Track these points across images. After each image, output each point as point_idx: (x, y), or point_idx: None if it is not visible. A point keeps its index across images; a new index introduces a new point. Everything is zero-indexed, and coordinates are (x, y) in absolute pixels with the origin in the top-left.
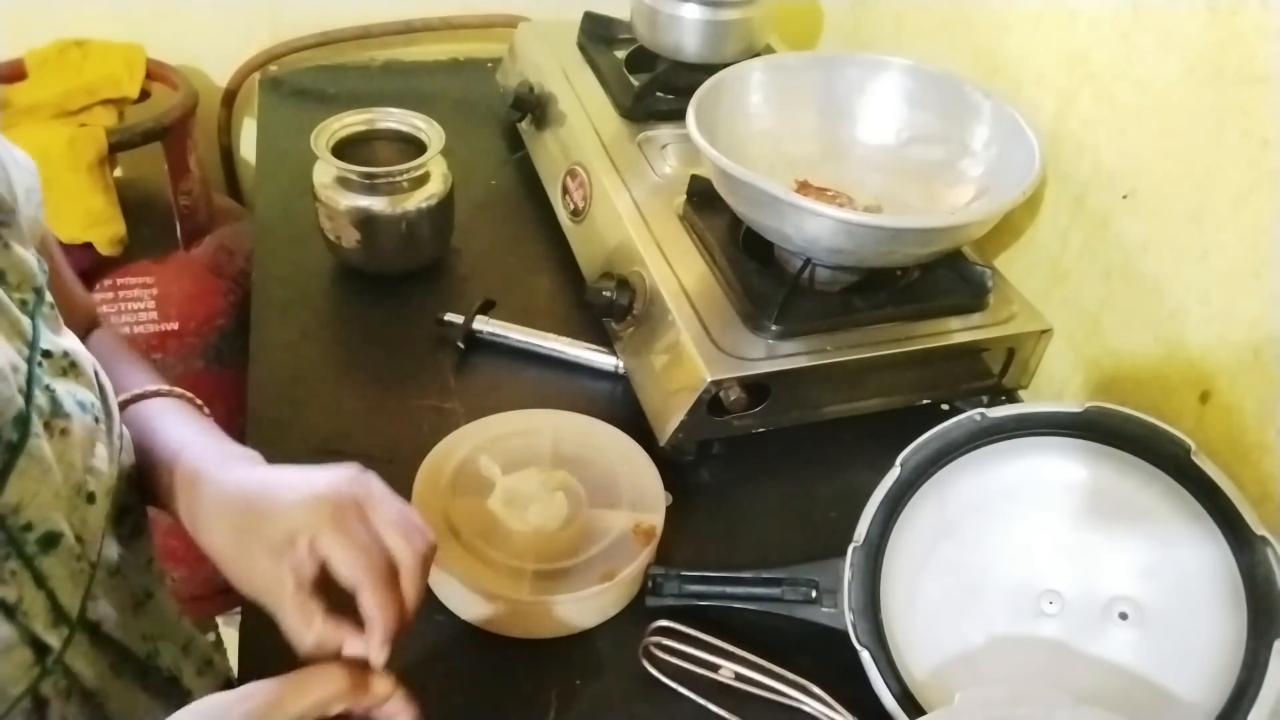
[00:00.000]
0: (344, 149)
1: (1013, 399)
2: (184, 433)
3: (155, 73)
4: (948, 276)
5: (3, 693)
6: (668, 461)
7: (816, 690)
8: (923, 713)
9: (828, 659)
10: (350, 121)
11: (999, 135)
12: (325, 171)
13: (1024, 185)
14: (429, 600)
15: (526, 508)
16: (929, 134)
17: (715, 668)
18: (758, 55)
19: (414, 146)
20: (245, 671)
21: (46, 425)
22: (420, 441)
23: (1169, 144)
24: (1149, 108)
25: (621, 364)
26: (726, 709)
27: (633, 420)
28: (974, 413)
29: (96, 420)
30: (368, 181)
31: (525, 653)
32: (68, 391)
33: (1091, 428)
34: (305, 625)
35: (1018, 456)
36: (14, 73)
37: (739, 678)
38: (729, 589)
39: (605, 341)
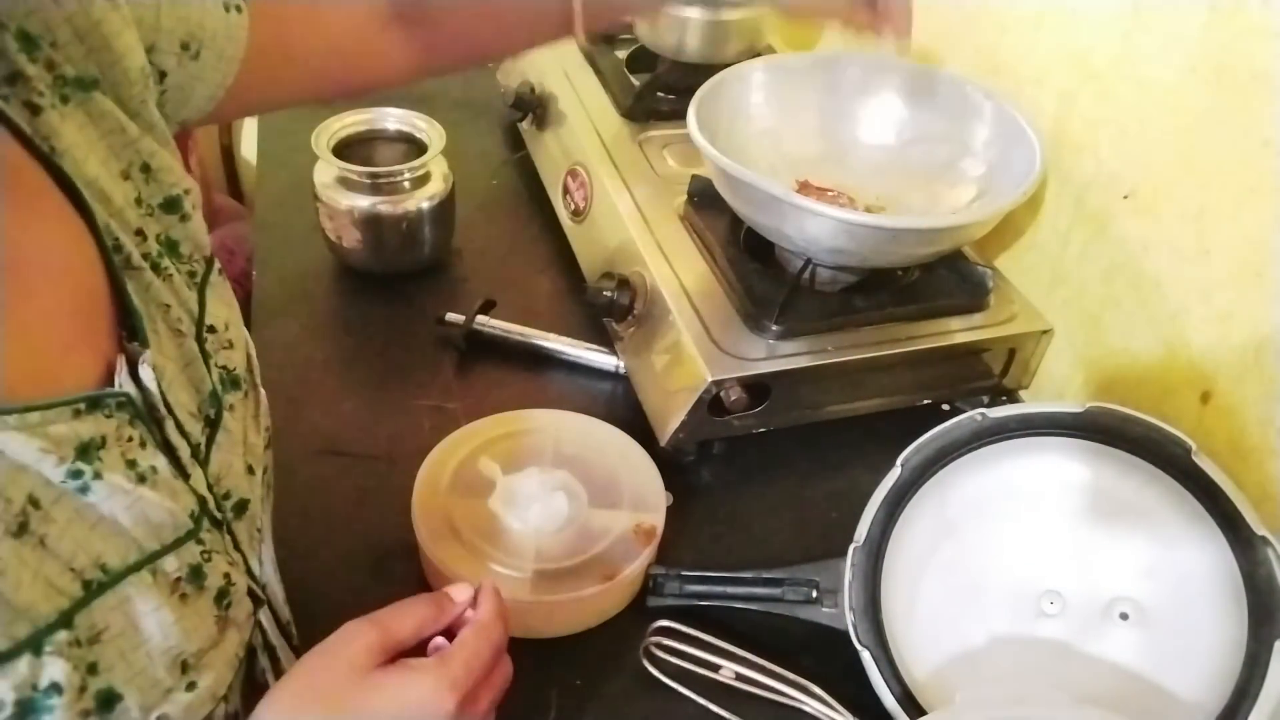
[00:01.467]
0: (345, 149)
1: (1013, 399)
2: None
3: None
4: (948, 277)
5: (243, 638)
6: (668, 461)
7: (817, 690)
8: (923, 713)
9: (828, 659)
10: (351, 121)
11: (1000, 135)
12: (326, 171)
13: (1025, 185)
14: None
15: (527, 508)
16: (930, 134)
17: (716, 668)
18: (759, 55)
19: (415, 146)
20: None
21: (227, 398)
22: (421, 441)
23: (1170, 144)
24: (1150, 108)
25: (622, 364)
26: (727, 709)
27: (633, 420)
28: (975, 413)
29: (245, 395)
30: (369, 181)
31: (525, 653)
32: (229, 367)
33: (1092, 428)
34: None
35: (1019, 457)
36: None
37: (740, 678)
38: (729, 589)
39: (606, 341)
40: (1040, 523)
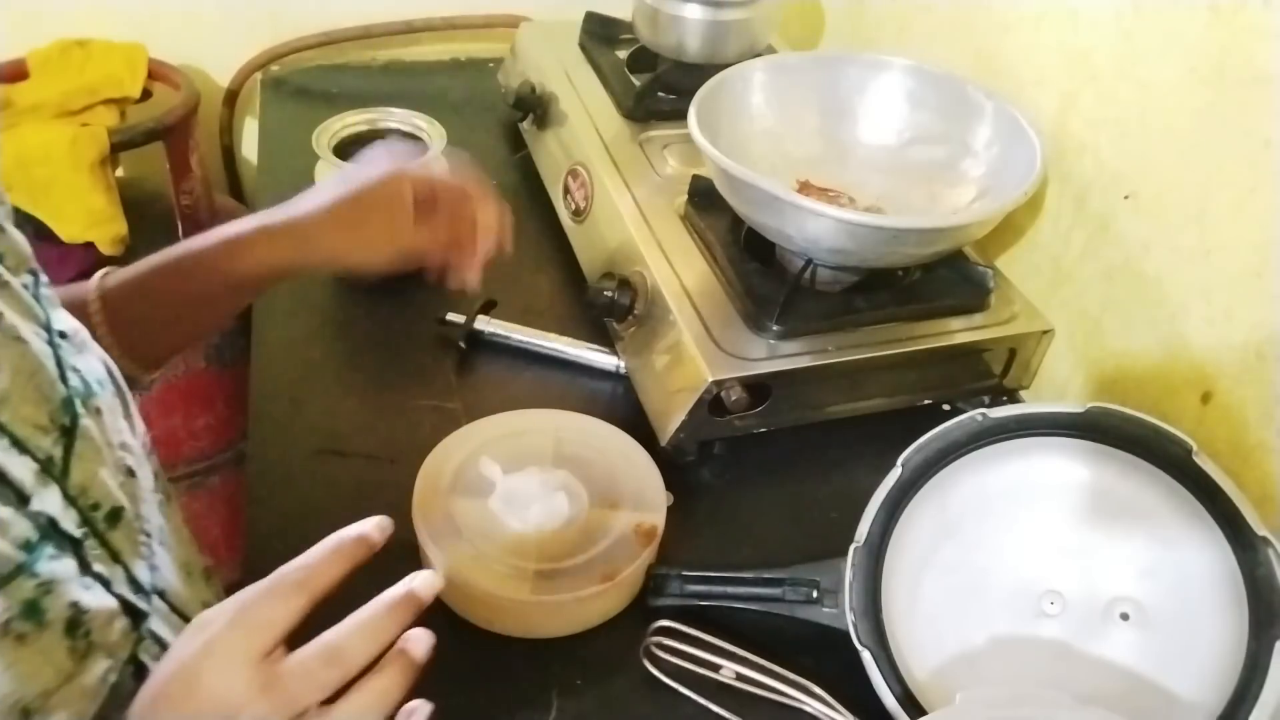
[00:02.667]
0: (346, 149)
1: (1014, 399)
2: (179, 247)
3: (157, 72)
4: (949, 277)
5: (116, 660)
6: (669, 461)
7: (817, 690)
8: (924, 713)
9: (829, 659)
10: (352, 121)
11: (1000, 135)
12: (327, 171)
13: (1025, 185)
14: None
15: (527, 507)
16: (930, 134)
17: (716, 668)
18: (759, 55)
19: (416, 146)
20: None
21: (84, 405)
22: (422, 441)
23: (1171, 144)
24: (1151, 108)
25: (623, 364)
26: (727, 709)
27: (634, 420)
28: (975, 413)
29: (113, 395)
30: None
31: (526, 653)
32: (88, 369)
33: (1093, 428)
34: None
35: (1019, 457)
36: (16, 72)
37: (740, 678)
38: (730, 589)
39: (606, 341)
40: (1041, 523)
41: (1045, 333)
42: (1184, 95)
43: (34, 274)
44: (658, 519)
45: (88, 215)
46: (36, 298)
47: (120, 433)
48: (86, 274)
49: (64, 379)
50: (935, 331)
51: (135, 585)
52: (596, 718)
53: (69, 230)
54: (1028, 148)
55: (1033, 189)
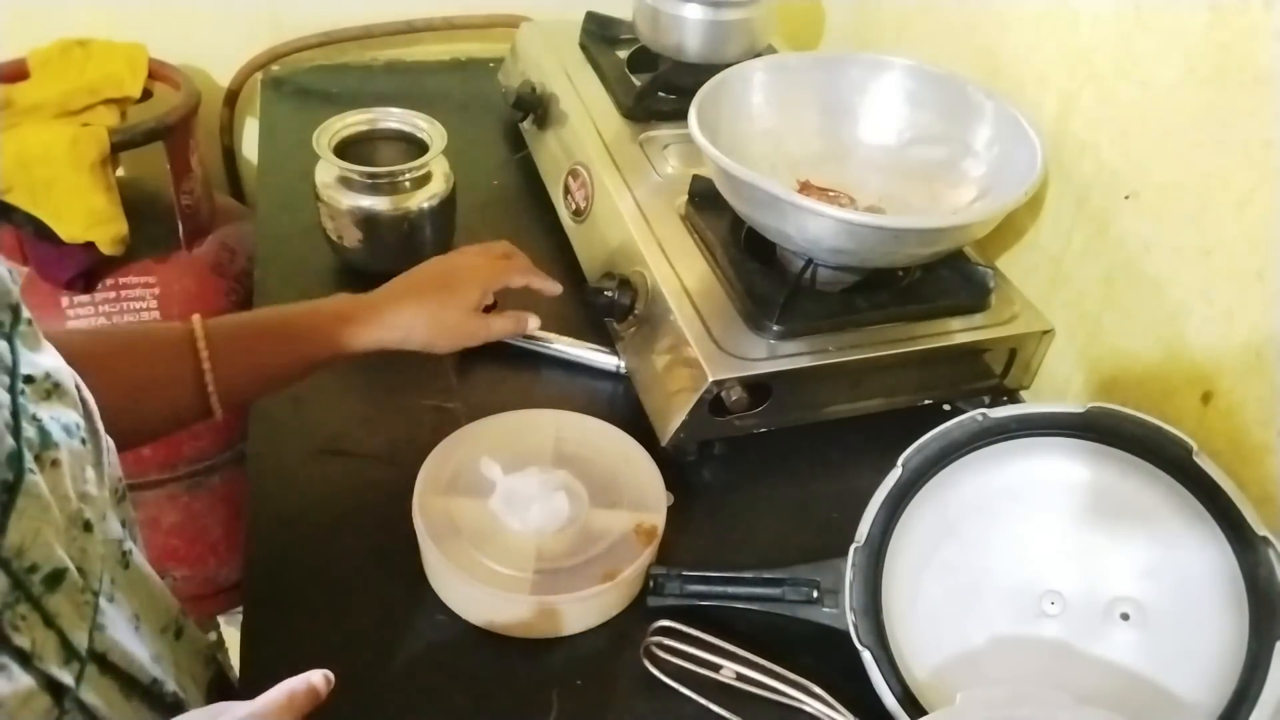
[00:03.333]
0: (346, 149)
1: (1014, 399)
2: (267, 311)
3: (157, 72)
4: (949, 277)
5: None
6: (669, 461)
7: (817, 690)
8: (924, 713)
9: (829, 659)
10: (352, 121)
11: (1001, 135)
12: (327, 171)
13: (1026, 185)
14: (430, 601)
15: (528, 508)
16: (931, 134)
17: (716, 668)
18: (760, 55)
19: (416, 146)
20: (246, 670)
21: (38, 459)
22: (422, 441)
23: (1171, 144)
24: (1151, 108)
25: (623, 364)
26: (728, 709)
27: (634, 420)
28: (976, 413)
29: (83, 442)
30: (370, 181)
31: (526, 653)
32: (53, 417)
33: (1093, 428)
34: (504, 325)
35: (1019, 457)
36: (16, 72)
37: (740, 678)
38: (730, 589)
39: (607, 341)
40: (1041, 523)
41: (1045, 333)
42: (1184, 95)
43: (14, 310)
44: (658, 519)
45: (88, 215)
46: (10, 337)
47: (84, 483)
48: (86, 274)
49: (17, 430)
50: (935, 332)
51: (69, 652)
52: (596, 718)
53: (69, 230)
54: (1028, 148)
55: (1033, 189)
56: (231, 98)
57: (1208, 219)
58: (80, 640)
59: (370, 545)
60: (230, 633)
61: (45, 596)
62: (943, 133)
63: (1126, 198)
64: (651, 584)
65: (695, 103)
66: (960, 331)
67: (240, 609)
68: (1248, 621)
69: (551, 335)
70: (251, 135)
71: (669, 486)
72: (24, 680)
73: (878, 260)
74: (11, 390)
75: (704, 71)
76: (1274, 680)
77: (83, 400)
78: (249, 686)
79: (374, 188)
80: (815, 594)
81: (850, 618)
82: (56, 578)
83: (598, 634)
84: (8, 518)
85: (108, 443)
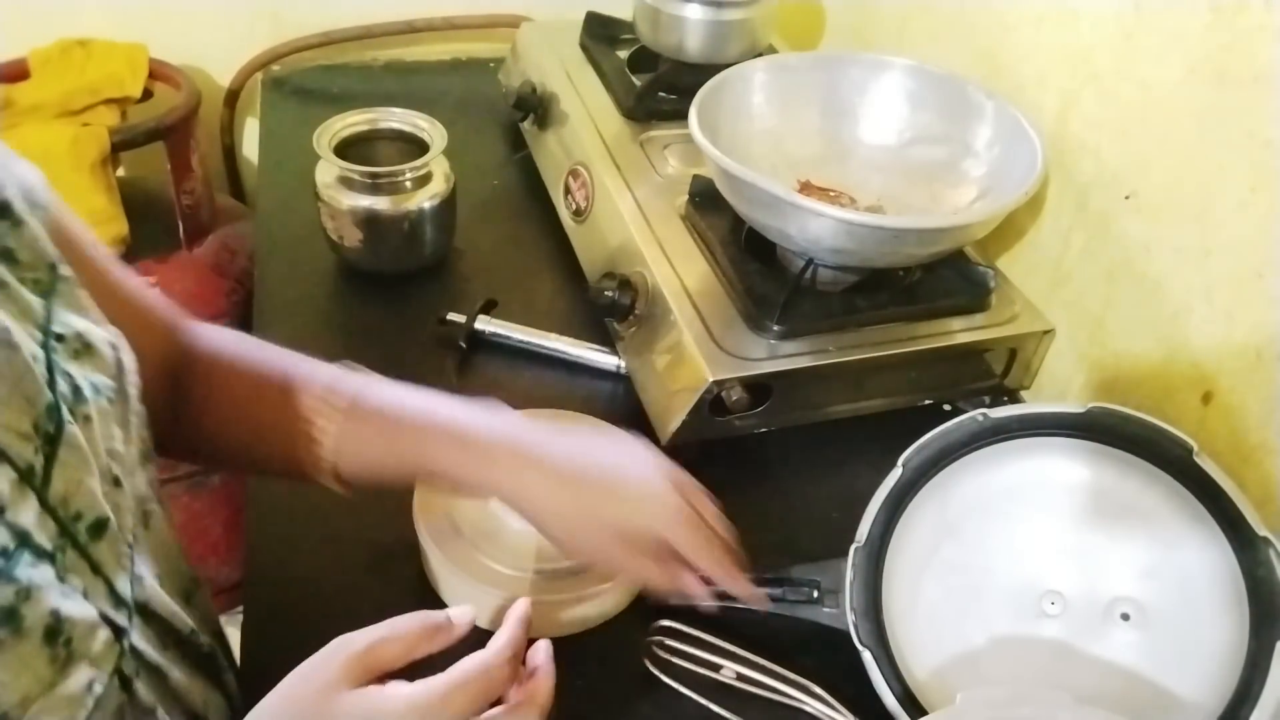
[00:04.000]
0: (346, 149)
1: (1015, 399)
2: (420, 399)
3: (158, 72)
4: (950, 277)
5: (100, 671)
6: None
7: (818, 690)
8: (924, 713)
9: (829, 659)
10: (353, 121)
11: (1001, 135)
12: (328, 171)
13: (1026, 186)
14: (431, 600)
15: None
16: (931, 134)
17: (717, 668)
18: (760, 55)
19: (416, 146)
20: (247, 669)
21: (72, 412)
22: None
23: (1172, 144)
24: (1151, 108)
25: (623, 364)
26: (728, 709)
27: (634, 420)
28: (976, 413)
29: (110, 401)
30: (370, 181)
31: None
32: (83, 375)
33: (1093, 428)
34: (655, 574)
35: (1020, 457)
36: (17, 72)
37: (740, 678)
38: None
39: (607, 341)
40: (1041, 523)
41: (1046, 333)
42: (1185, 95)
43: (51, 268)
44: None
45: (88, 215)
46: (48, 295)
47: (111, 440)
48: None
49: (52, 384)
50: (936, 331)
51: (116, 599)
52: (596, 718)
53: None
54: (1028, 148)
55: (1033, 189)
56: (232, 98)
57: (1208, 219)
58: (124, 589)
59: (371, 545)
60: (231, 633)
61: (90, 545)
62: (943, 133)
63: (1127, 198)
64: None
65: (696, 103)
66: (961, 331)
67: (240, 609)
68: (1248, 621)
69: (552, 335)
70: (252, 135)
71: None
72: (89, 610)
73: (878, 260)
74: (45, 346)
75: (704, 71)
76: (1274, 680)
77: (119, 363)
78: (249, 686)
79: (374, 187)
80: (815, 594)
81: (850, 618)
82: (100, 527)
83: (598, 634)
84: (52, 467)
85: (139, 409)
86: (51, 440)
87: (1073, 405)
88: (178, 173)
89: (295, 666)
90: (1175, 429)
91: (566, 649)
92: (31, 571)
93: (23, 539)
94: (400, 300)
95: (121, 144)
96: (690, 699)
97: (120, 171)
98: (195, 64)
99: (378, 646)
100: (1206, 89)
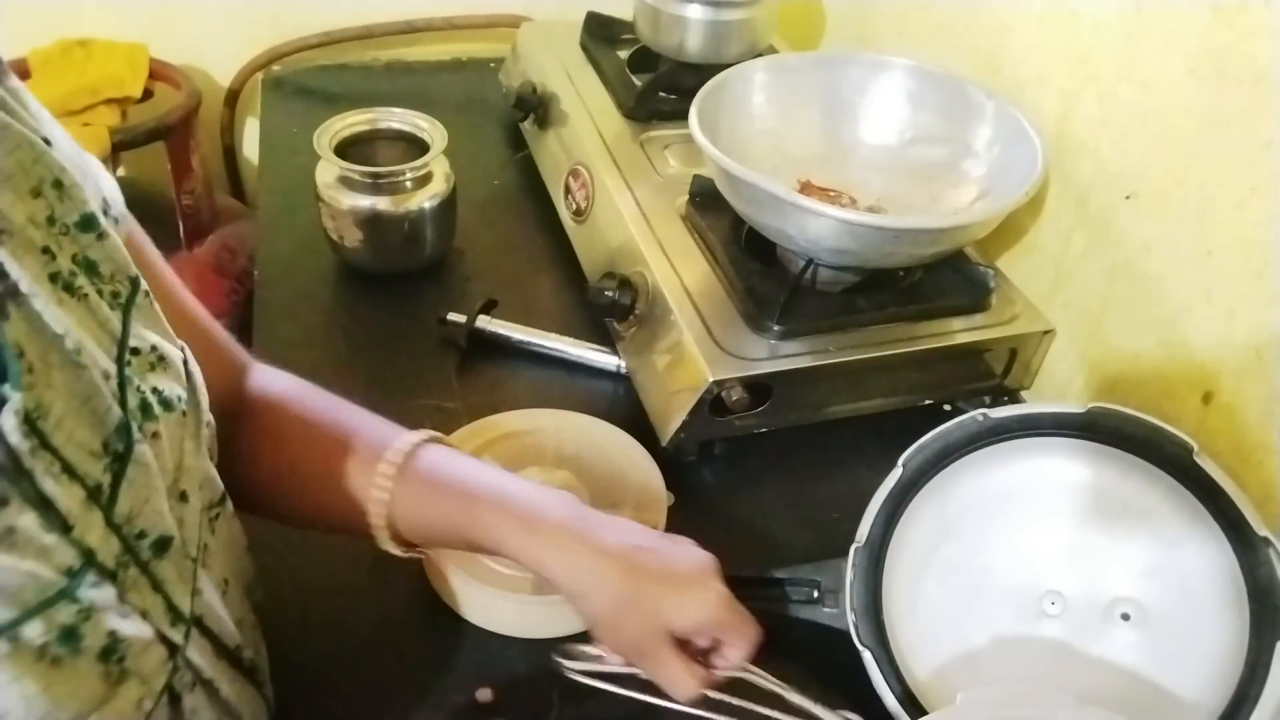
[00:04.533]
0: (347, 149)
1: (1015, 399)
2: (486, 473)
3: (158, 72)
4: (950, 277)
5: (150, 688)
6: (670, 461)
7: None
8: (925, 713)
9: (829, 659)
10: (353, 121)
11: (1001, 136)
12: (328, 171)
13: (1026, 186)
14: (431, 600)
15: None
16: (931, 134)
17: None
18: (760, 55)
19: (417, 146)
20: None
21: (141, 429)
22: None
23: (1172, 144)
24: (1152, 108)
25: (623, 364)
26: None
27: (635, 420)
28: (976, 413)
29: (184, 414)
30: (370, 181)
31: (527, 652)
32: (155, 389)
33: (1094, 428)
34: (690, 681)
35: (1020, 457)
36: (17, 72)
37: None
38: (730, 589)
39: (607, 341)
40: (1042, 523)
41: (1046, 333)
42: (1185, 95)
43: (133, 281)
44: (659, 519)
45: None
46: (126, 308)
47: (181, 453)
48: None
49: (124, 401)
50: (936, 332)
51: (175, 615)
52: (597, 718)
53: None
54: (1029, 148)
55: (1034, 189)
56: (232, 98)
57: (1208, 219)
58: (184, 604)
59: (371, 546)
60: None
61: (153, 562)
62: (943, 133)
63: (1127, 198)
64: None
65: (696, 103)
66: (961, 332)
67: None
68: (1248, 622)
69: (552, 335)
70: (252, 135)
71: (669, 487)
72: (145, 629)
73: (878, 260)
74: (119, 361)
75: (705, 71)
76: (1275, 681)
77: (189, 375)
78: None
79: (375, 188)
80: (816, 594)
81: (851, 618)
82: (164, 544)
83: None
84: (119, 486)
85: (209, 419)
86: (120, 458)
87: (1073, 405)
88: (178, 173)
89: (296, 668)
90: (1175, 429)
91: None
92: (94, 592)
93: (88, 558)
94: (400, 300)
95: (122, 144)
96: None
97: (120, 171)
98: (195, 64)
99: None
100: (1207, 89)
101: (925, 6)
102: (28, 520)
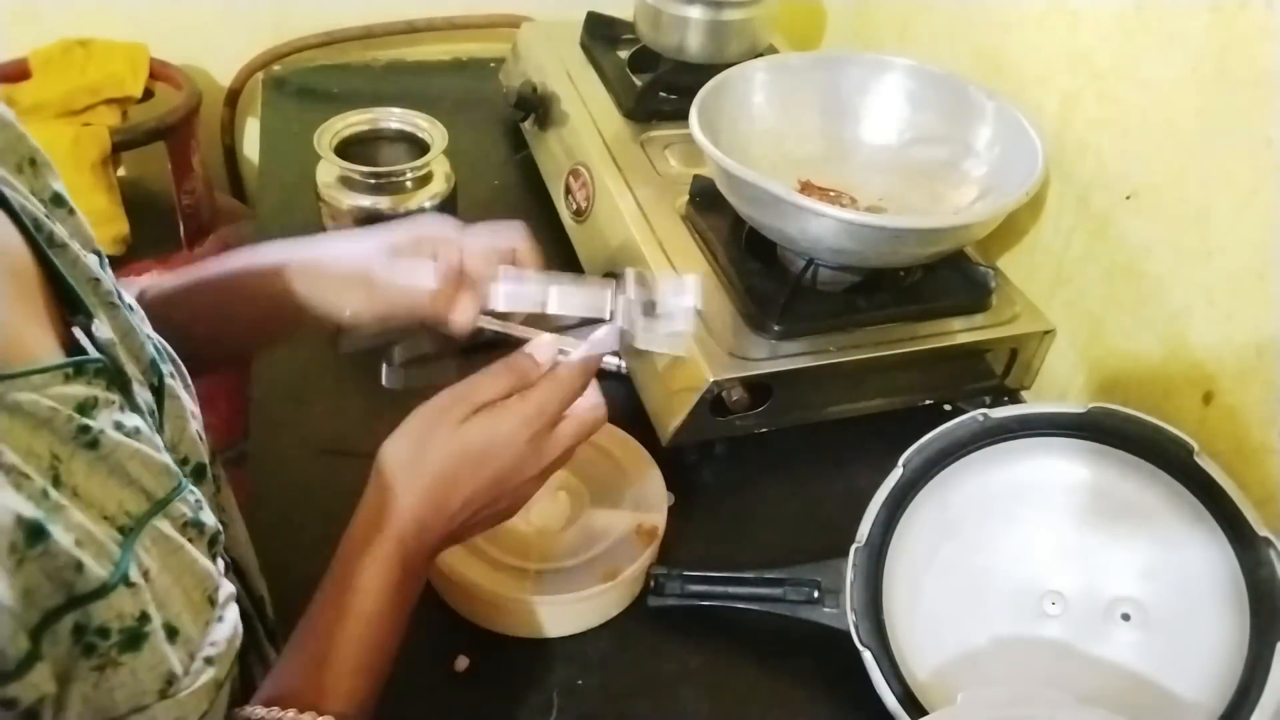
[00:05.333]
0: (347, 149)
1: (1015, 399)
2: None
3: (159, 72)
4: (951, 277)
5: (229, 599)
6: (670, 461)
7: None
8: (925, 713)
9: (829, 659)
10: (353, 121)
11: (1002, 135)
12: (328, 171)
13: (1027, 186)
14: (430, 600)
15: (529, 507)
16: (932, 134)
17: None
18: (761, 55)
19: (417, 146)
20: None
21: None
22: None
23: (1172, 144)
24: (1152, 108)
25: (624, 364)
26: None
27: (635, 420)
28: (976, 413)
29: (173, 374)
30: (371, 181)
31: (527, 652)
32: (154, 341)
33: (1094, 428)
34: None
35: (1020, 457)
36: (18, 72)
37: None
38: (731, 589)
39: None
40: (1042, 523)
41: (1046, 333)
42: (1185, 95)
43: (97, 254)
44: (659, 519)
45: (89, 215)
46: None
47: (187, 399)
48: None
49: (145, 341)
50: (936, 332)
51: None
52: (597, 717)
53: None
54: (1029, 148)
55: (1034, 189)
56: (233, 98)
57: (1208, 219)
58: (221, 537)
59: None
60: None
61: (196, 486)
62: (944, 133)
63: (1128, 198)
64: (652, 584)
65: (696, 103)
66: (961, 332)
67: None
68: (1248, 622)
69: (552, 334)
70: (253, 135)
71: (670, 486)
72: (213, 524)
73: (879, 260)
74: (132, 310)
75: (705, 71)
76: (1275, 681)
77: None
78: (248, 687)
79: (375, 187)
80: (816, 594)
81: (851, 618)
82: (201, 471)
83: (598, 634)
84: (162, 415)
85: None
86: (157, 391)
87: (1073, 405)
88: (178, 172)
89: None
90: (1176, 429)
91: (568, 648)
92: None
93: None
94: None
95: (122, 144)
96: (691, 698)
97: (121, 171)
98: (196, 64)
99: (477, 393)
100: (1207, 89)
101: (925, 6)
102: (140, 422)
